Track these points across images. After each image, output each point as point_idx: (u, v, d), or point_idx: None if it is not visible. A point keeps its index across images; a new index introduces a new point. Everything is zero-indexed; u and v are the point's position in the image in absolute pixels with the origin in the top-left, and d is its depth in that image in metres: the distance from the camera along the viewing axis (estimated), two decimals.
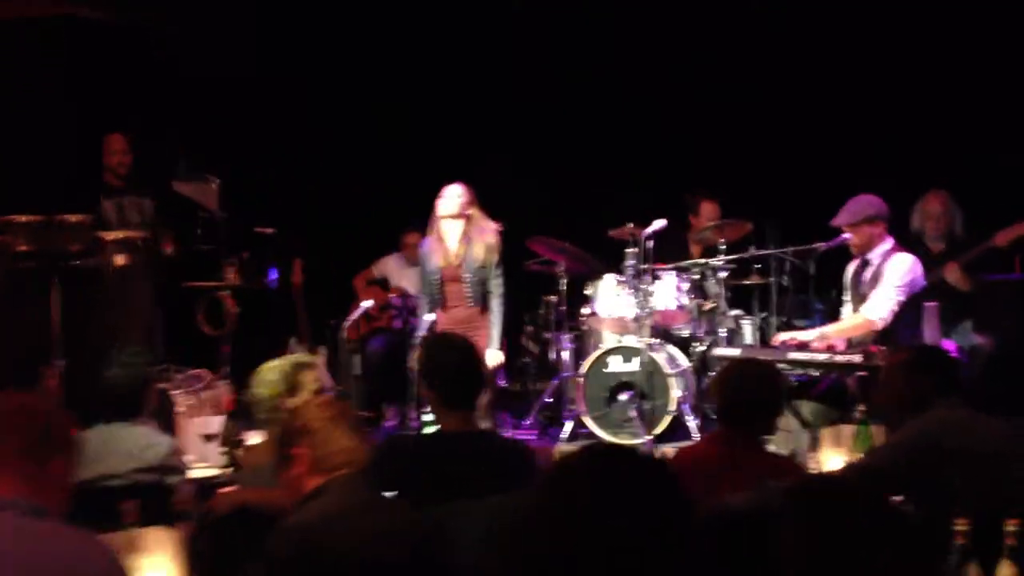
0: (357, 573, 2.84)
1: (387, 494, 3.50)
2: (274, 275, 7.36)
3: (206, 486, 4.58)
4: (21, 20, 7.51)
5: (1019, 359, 6.58)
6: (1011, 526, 2.75)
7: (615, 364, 6.88)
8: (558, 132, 8.53)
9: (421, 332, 6.67)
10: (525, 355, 7.99)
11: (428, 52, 8.60)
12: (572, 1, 8.43)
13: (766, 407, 3.86)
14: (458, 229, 6.49)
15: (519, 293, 7.92)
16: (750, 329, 7.49)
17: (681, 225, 7.69)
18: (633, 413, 6.72)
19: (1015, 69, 7.46)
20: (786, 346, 5.67)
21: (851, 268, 6.02)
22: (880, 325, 5.66)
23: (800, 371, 5.49)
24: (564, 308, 7.49)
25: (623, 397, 6.78)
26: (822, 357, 5.36)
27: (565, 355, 7.42)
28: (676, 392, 6.76)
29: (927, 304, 5.99)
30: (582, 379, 6.89)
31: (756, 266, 7.29)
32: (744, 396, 3.81)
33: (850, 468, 3.87)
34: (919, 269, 5.79)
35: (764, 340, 7.06)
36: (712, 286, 7.19)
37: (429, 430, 5.25)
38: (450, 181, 6.62)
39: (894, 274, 5.69)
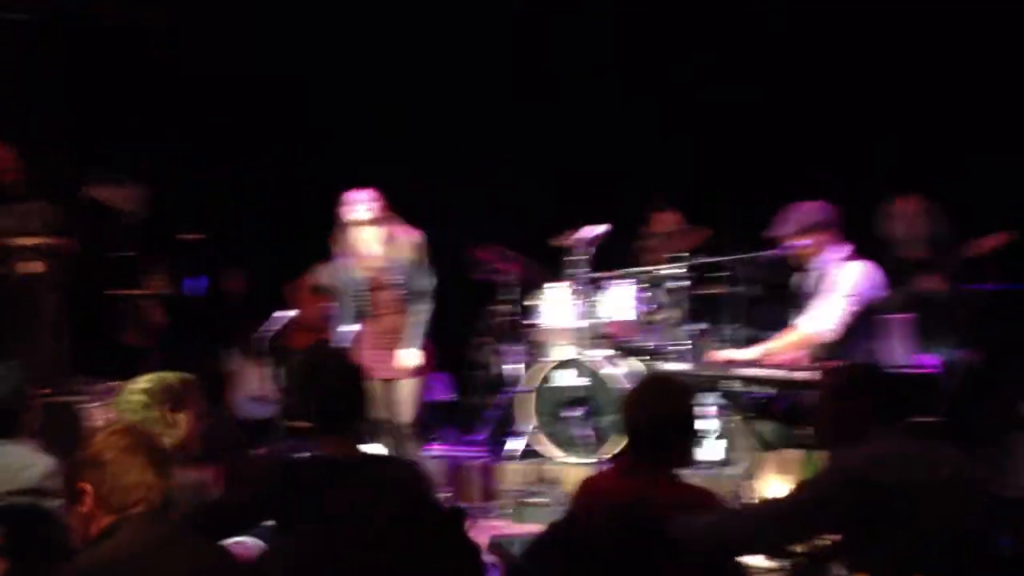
0: None
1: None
2: (200, 282, 6.89)
3: None
4: None
5: (995, 372, 6.28)
6: None
7: (561, 378, 6.46)
8: (522, 135, 8.13)
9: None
10: (475, 367, 7.56)
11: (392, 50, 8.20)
12: (572, 1, 8.03)
13: (676, 432, 3.42)
14: (378, 234, 6.02)
15: (468, 302, 7.56)
16: (714, 342, 7.12)
17: (638, 233, 7.31)
18: (587, 431, 6.29)
19: (1012, 69, 7.10)
20: (726, 364, 5.24)
21: (797, 278, 5.59)
22: (825, 338, 5.16)
23: (756, 389, 5.05)
24: (512, 319, 7.09)
25: (575, 413, 6.36)
26: (779, 374, 4.92)
27: (513, 367, 7.01)
28: None
29: (898, 317, 5.60)
30: (530, 394, 6.47)
31: (721, 274, 6.92)
32: (651, 420, 3.38)
33: (764, 505, 3.45)
34: (876, 277, 5.33)
35: None
36: (661, 296, 6.77)
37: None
38: (380, 183, 6.17)
39: (843, 283, 5.18)
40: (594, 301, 6.62)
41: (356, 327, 6.11)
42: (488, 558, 4.48)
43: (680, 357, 6.46)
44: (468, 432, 7.18)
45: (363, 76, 8.28)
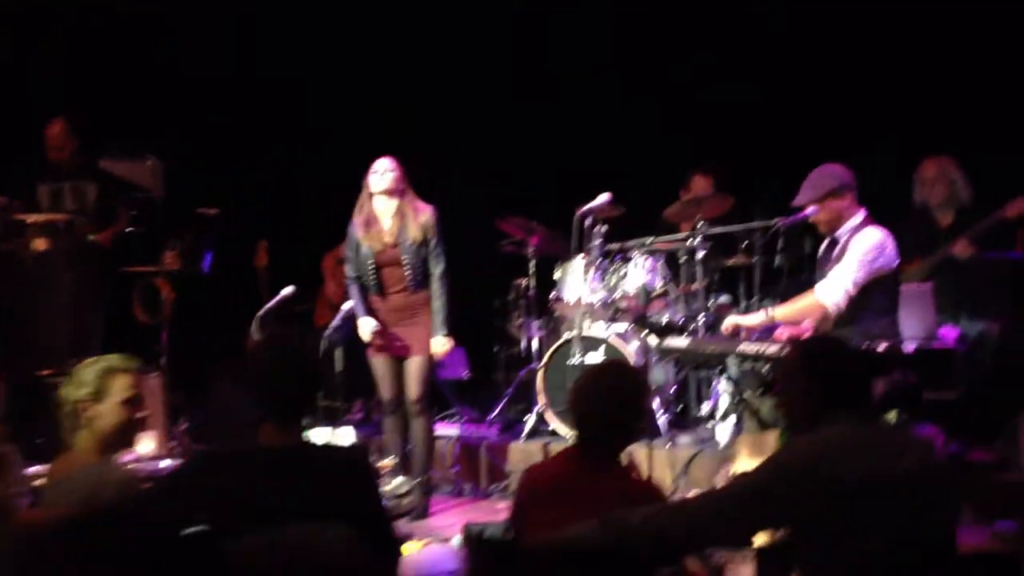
0: None
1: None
2: (208, 259, 6.83)
3: None
4: None
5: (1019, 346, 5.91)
6: None
7: (573, 354, 6.27)
8: (532, 115, 7.91)
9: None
10: (496, 344, 7.40)
11: (408, 46, 8.07)
12: (572, 1, 7.79)
13: (623, 420, 3.26)
14: (391, 207, 5.87)
15: (489, 276, 7.40)
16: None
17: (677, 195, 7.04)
18: None
19: (1013, 68, 6.68)
20: (734, 332, 5.01)
21: (822, 248, 5.29)
22: (833, 310, 4.91)
23: (753, 364, 4.79)
24: (533, 293, 6.91)
25: None
26: (773, 348, 4.64)
27: (535, 343, 6.84)
28: None
29: (918, 287, 5.27)
30: (542, 371, 6.30)
31: (745, 244, 6.64)
32: (598, 407, 3.21)
33: (702, 499, 3.21)
34: (890, 245, 5.01)
35: None
36: (681, 267, 6.52)
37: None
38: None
39: (855, 251, 4.90)
40: (612, 274, 6.41)
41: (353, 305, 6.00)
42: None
43: (695, 331, 6.24)
44: (484, 410, 7.03)
45: (390, 48, 8.14)
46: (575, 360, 6.21)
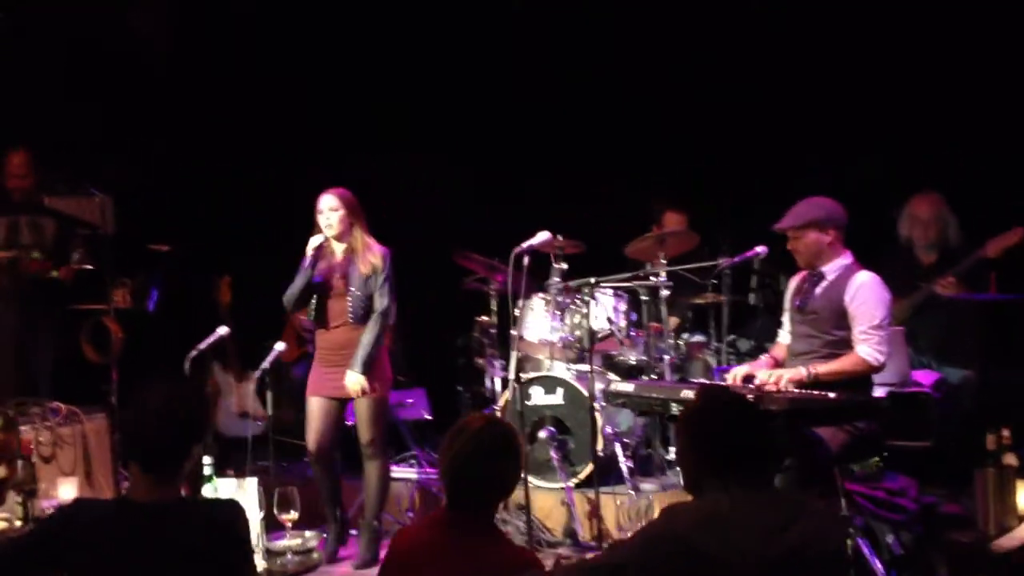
0: None
1: None
2: (154, 297, 6.62)
3: None
4: None
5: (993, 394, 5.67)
6: None
7: (537, 396, 6.04)
8: (521, 135, 7.69)
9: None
10: (459, 383, 7.16)
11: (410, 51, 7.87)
12: (572, 1, 7.60)
13: (499, 486, 3.01)
14: (340, 246, 5.62)
15: (452, 313, 7.18)
16: (711, 355, 6.63)
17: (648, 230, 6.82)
18: (552, 453, 5.85)
19: (1014, 69, 6.46)
20: (745, 381, 4.71)
21: (794, 283, 5.02)
22: (876, 362, 4.61)
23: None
24: (495, 331, 6.68)
25: (542, 435, 5.92)
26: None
27: (497, 383, 6.61)
28: (607, 429, 5.92)
29: (892, 330, 5.03)
30: (499, 413, 6.05)
31: (713, 282, 6.42)
32: (473, 473, 2.95)
33: (576, 566, 2.96)
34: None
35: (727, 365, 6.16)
36: (646, 305, 6.31)
37: None
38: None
39: (866, 296, 4.64)
40: (574, 312, 6.18)
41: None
42: None
43: (677, 371, 6.01)
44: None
45: (350, 67, 7.95)
46: (533, 401, 5.99)
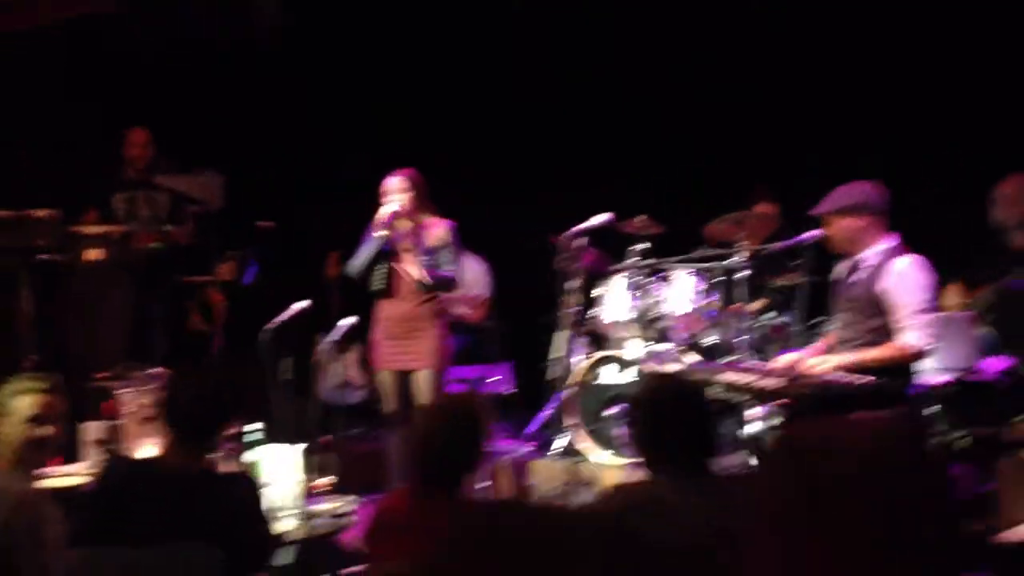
0: None
1: None
2: (252, 272, 6.97)
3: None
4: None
5: None
6: None
7: (607, 375, 6.14)
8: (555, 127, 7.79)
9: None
10: (544, 359, 7.29)
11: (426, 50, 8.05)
12: (572, 1, 7.66)
13: (461, 458, 3.16)
14: (405, 223, 5.81)
15: (540, 291, 7.31)
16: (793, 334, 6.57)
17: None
18: (621, 430, 5.95)
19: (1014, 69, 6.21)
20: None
21: (841, 268, 4.97)
22: (926, 347, 4.53)
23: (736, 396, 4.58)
24: (579, 310, 6.78)
25: (613, 411, 6.02)
26: (745, 380, 4.41)
27: (577, 361, 6.71)
28: None
29: (958, 315, 4.95)
30: (576, 389, 6.19)
31: (795, 263, 6.37)
32: (434, 447, 3.11)
33: None
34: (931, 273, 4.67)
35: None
36: (727, 286, 6.30)
37: None
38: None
39: (916, 286, 4.55)
40: (653, 293, 6.24)
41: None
42: None
43: (757, 352, 6.01)
44: (523, 426, 6.95)
45: (448, 60, 8.15)
46: (606, 380, 6.10)
